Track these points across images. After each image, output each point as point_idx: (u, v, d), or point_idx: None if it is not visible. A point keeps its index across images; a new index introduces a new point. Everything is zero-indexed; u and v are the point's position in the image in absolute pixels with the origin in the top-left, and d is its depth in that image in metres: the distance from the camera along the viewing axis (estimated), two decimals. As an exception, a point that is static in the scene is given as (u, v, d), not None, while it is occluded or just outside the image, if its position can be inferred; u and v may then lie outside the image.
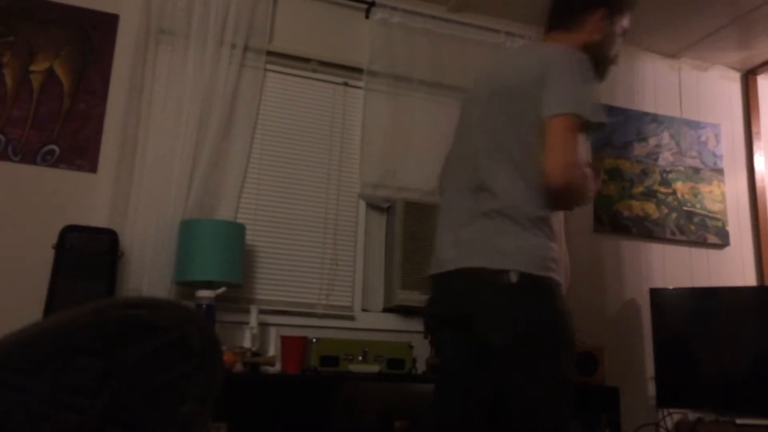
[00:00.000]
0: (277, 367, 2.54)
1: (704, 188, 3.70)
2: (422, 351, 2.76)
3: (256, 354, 2.53)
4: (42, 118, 2.66)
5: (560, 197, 1.59)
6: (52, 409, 0.56)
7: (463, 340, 1.65)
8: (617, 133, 3.59)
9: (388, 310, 2.96)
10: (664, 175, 3.64)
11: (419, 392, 2.84)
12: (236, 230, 2.58)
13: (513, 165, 1.62)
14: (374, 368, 2.54)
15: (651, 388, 3.28)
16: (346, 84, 3.17)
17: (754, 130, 3.89)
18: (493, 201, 1.62)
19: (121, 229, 2.60)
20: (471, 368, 1.65)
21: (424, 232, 2.90)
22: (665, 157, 3.67)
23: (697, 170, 3.71)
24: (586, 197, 1.66)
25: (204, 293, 2.46)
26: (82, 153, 2.68)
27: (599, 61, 1.76)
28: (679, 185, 3.65)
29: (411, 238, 2.89)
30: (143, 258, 2.63)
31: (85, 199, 2.65)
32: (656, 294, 3.19)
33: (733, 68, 3.93)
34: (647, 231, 3.53)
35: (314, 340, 2.53)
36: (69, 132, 2.68)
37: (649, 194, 3.59)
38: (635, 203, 3.55)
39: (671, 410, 3.14)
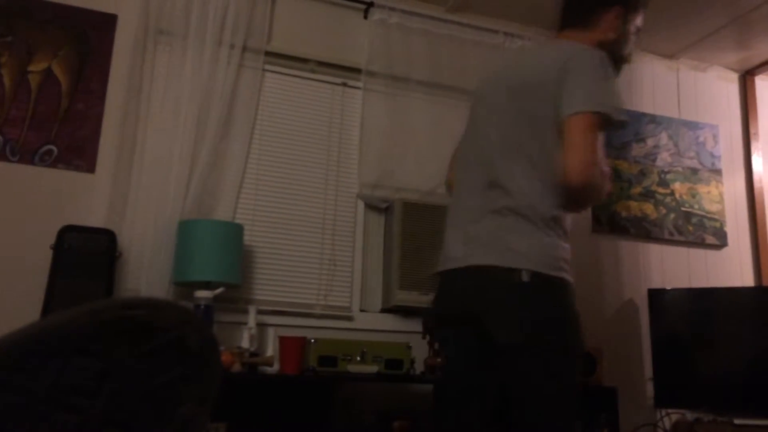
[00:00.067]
0: (276, 368, 2.54)
1: (702, 189, 3.70)
2: (421, 351, 2.75)
3: (254, 354, 2.53)
4: (40, 119, 2.65)
5: (578, 196, 1.57)
6: (51, 410, 0.56)
7: (468, 338, 1.63)
8: (615, 134, 3.59)
9: (386, 310, 2.96)
10: (663, 175, 3.65)
11: (418, 392, 2.83)
12: (234, 230, 2.58)
13: (530, 164, 1.60)
14: (372, 368, 2.54)
15: (649, 389, 3.28)
16: (344, 84, 3.16)
17: (752, 130, 3.89)
18: (506, 198, 1.60)
19: (120, 229, 2.59)
20: (475, 367, 1.63)
21: (423, 232, 2.90)
22: (663, 158, 3.67)
23: (695, 171, 3.72)
24: (601, 197, 1.63)
25: (202, 293, 2.46)
26: (80, 153, 2.68)
27: (613, 59, 1.73)
28: (677, 186, 3.66)
29: (409, 239, 2.89)
30: (141, 258, 2.63)
31: (83, 199, 2.65)
32: (654, 294, 3.19)
33: (732, 69, 3.93)
34: (645, 231, 3.54)
35: (312, 340, 2.53)
36: (67, 132, 2.68)
37: (648, 195, 3.59)
38: (633, 204, 3.55)
39: (669, 410, 3.14)
